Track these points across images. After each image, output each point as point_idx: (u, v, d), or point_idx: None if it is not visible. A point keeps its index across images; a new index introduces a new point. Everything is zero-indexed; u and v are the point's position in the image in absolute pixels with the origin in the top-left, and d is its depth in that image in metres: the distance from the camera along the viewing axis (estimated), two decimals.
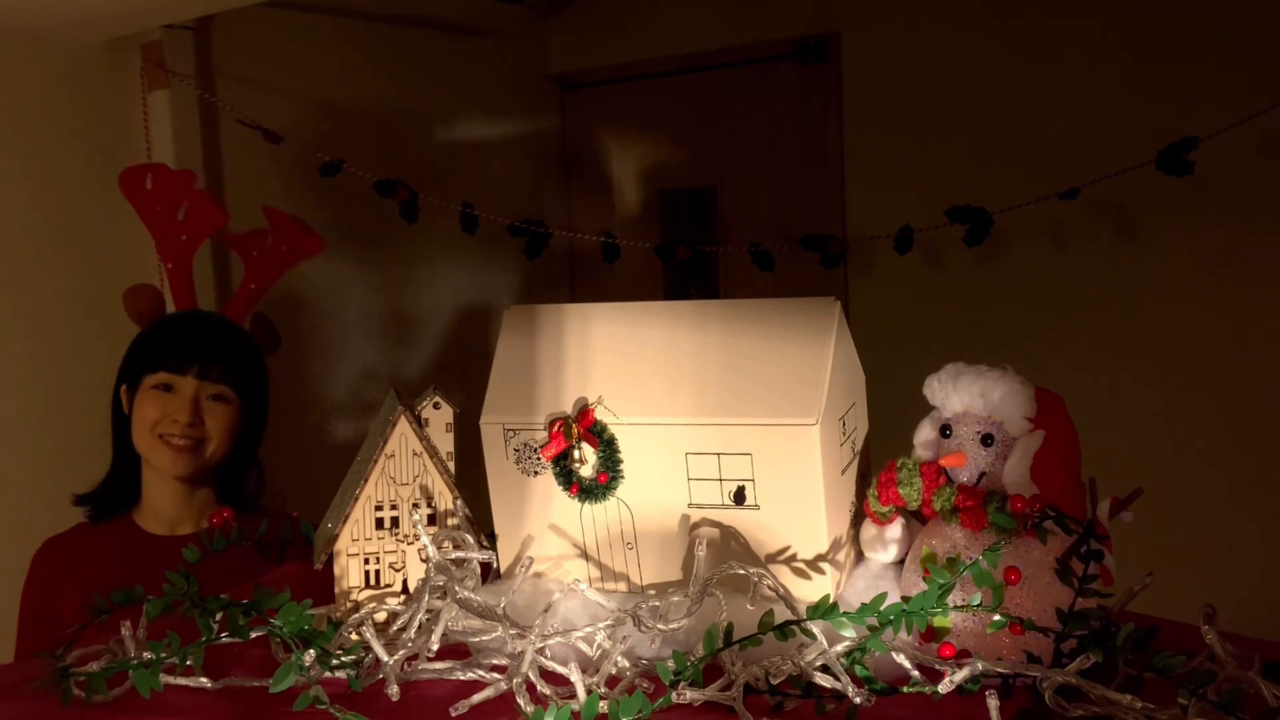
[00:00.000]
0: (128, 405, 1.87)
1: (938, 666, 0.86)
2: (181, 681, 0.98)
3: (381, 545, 1.11)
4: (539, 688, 0.92)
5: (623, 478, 1.04)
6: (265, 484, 1.98)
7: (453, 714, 0.90)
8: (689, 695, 0.87)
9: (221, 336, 1.90)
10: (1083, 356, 2.79)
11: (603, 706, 0.86)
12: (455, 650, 1.01)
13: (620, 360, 1.07)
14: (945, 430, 1.00)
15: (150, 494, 1.89)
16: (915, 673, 0.86)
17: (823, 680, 0.87)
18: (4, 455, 2.31)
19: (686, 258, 3.03)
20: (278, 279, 2.13)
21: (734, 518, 1.02)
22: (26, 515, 2.33)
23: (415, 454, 1.11)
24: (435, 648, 0.95)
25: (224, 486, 1.92)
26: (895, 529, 1.02)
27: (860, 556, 1.07)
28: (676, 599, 0.96)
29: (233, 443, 1.86)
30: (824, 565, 1.01)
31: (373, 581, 1.11)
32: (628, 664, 0.95)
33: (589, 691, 0.89)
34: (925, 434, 1.02)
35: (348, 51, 2.93)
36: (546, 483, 1.07)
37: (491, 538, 1.11)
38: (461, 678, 0.96)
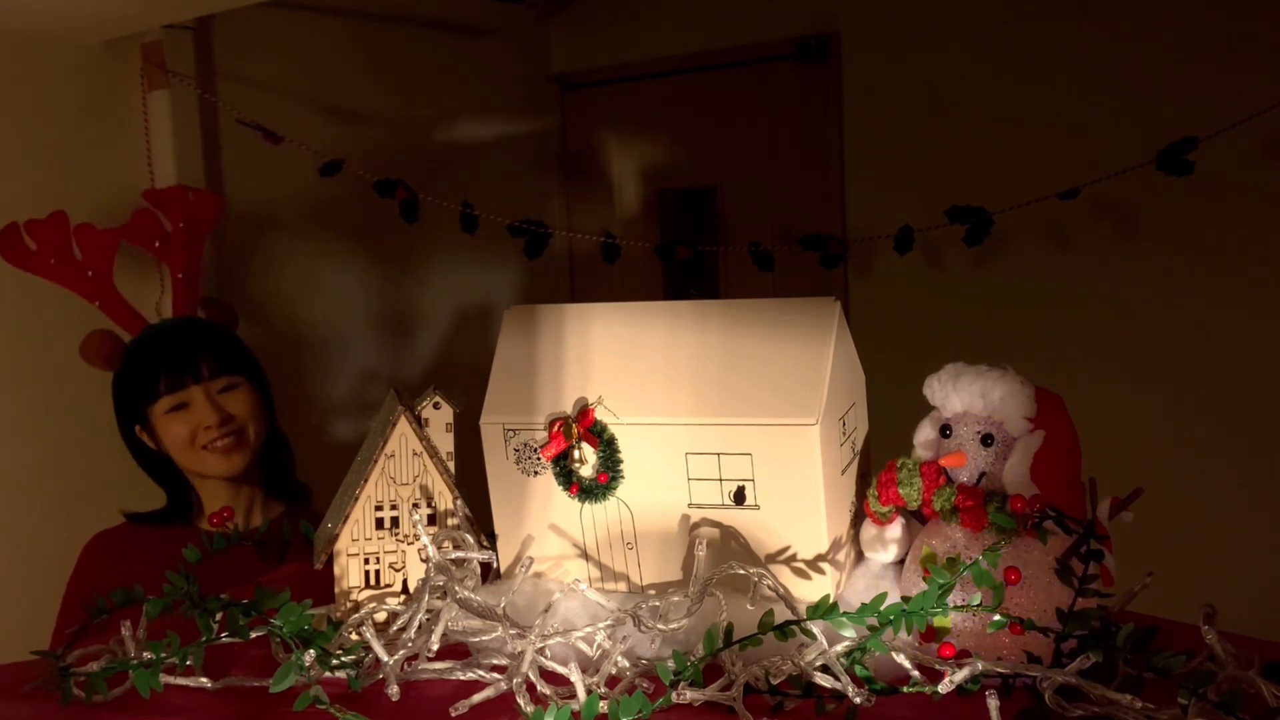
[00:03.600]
0: (153, 440, 1.88)
1: (938, 666, 0.86)
2: (181, 681, 0.98)
3: (381, 545, 1.11)
4: (539, 688, 0.92)
5: (623, 478, 1.04)
6: (294, 457, 2.01)
7: (453, 714, 0.90)
8: (689, 695, 0.87)
9: (190, 336, 1.91)
10: (1083, 356, 2.79)
11: (603, 706, 0.87)
12: (455, 650, 1.01)
13: (620, 360, 1.07)
14: (945, 430, 1.00)
15: (207, 501, 1.91)
16: (915, 673, 0.86)
17: (823, 680, 0.87)
18: (6, 455, 2.31)
19: (686, 258, 3.03)
20: (198, 255, 2.08)
21: (734, 518, 1.02)
22: (32, 516, 2.33)
23: (415, 454, 1.11)
24: (435, 648, 0.95)
25: (269, 473, 1.95)
26: (895, 529, 1.02)
27: (860, 556, 1.07)
28: (676, 599, 0.96)
29: (266, 420, 1.90)
30: (824, 565, 1.01)
31: (373, 581, 1.11)
32: (628, 664, 0.95)
33: (589, 691, 0.89)
34: (925, 434, 1.02)
35: (348, 51, 2.93)
36: (546, 483, 1.07)
37: (491, 538, 1.11)
38: (461, 678, 0.96)
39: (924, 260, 2.91)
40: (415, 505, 1.11)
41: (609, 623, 0.96)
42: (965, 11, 2.92)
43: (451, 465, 1.12)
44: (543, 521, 1.09)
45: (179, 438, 1.84)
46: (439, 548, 1.04)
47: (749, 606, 0.94)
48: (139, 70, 2.46)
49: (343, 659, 0.96)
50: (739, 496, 1.01)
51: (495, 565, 1.11)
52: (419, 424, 1.11)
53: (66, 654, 1.05)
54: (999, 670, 0.85)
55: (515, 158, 3.47)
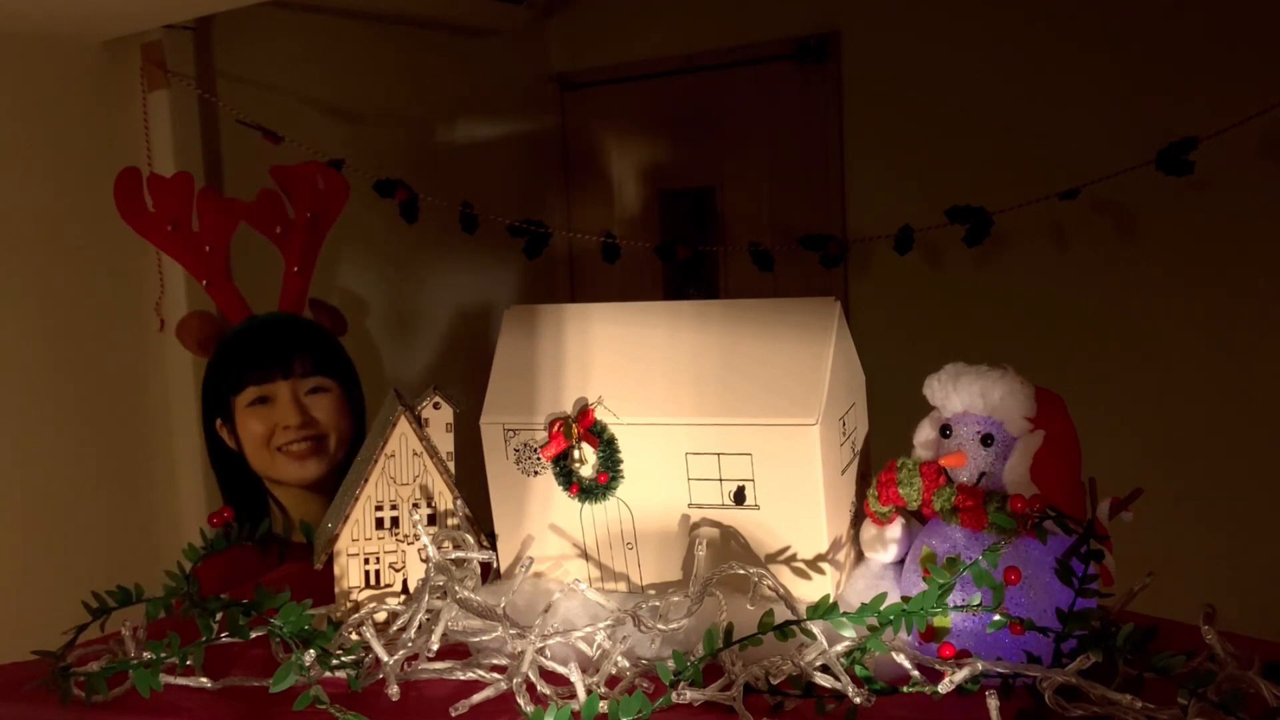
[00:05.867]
0: (231, 438, 1.78)
1: (938, 666, 0.86)
2: (181, 681, 0.98)
3: (381, 545, 1.11)
4: (539, 688, 0.92)
5: (623, 478, 1.04)
6: None
7: (453, 714, 0.90)
8: (689, 695, 0.87)
9: (291, 331, 1.80)
10: (1083, 356, 2.79)
11: (603, 706, 0.86)
12: (455, 650, 1.01)
13: (620, 360, 1.07)
14: (945, 430, 1.00)
15: (290, 509, 1.80)
16: (915, 673, 0.86)
17: (823, 680, 0.87)
18: (8, 455, 2.31)
19: (686, 258, 3.03)
20: (317, 249, 1.90)
21: (734, 518, 1.02)
22: (31, 517, 2.33)
23: (415, 454, 1.11)
24: (435, 648, 0.95)
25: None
26: (895, 529, 1.02)
27: (860, 556, 1.07)
28: (676, 599, 0.96)
29: (352, 431, 1.78)
30: (824, 565, 1.01)
31: (373, 581, 1.11)
32: (628, 664, 0.95)
33: (589, 691, 0.89)
34: (925, 434, 1.02)
35: (348, 51, 2.93)
36: (546, 483, 1.07)
37: (491, 538, 1.11)
38: (461, 678, 0.96)
39: (924, 260, 2.91)
40: (415, 505, 1.11)
41: (609, 623, 0.96)
42: (965, 12, 2.92)
43: (451, 465, 1.12)
44: (543, 521, 1.09)
45: (256, 435, 1.73)
46: (439, 548, 1.04)
47: (749, 606, 0.94)
48: (139, 70, 2.47)
49: (343, 659, 0.96)
50: (739, 496, 1.01)
51: (495, 565, 1.11)
52: (419, 424, 1.11)
53: (66, 654, 1.05)
54: (999, 670, 0.85)
55: (515, 158, 3.47)
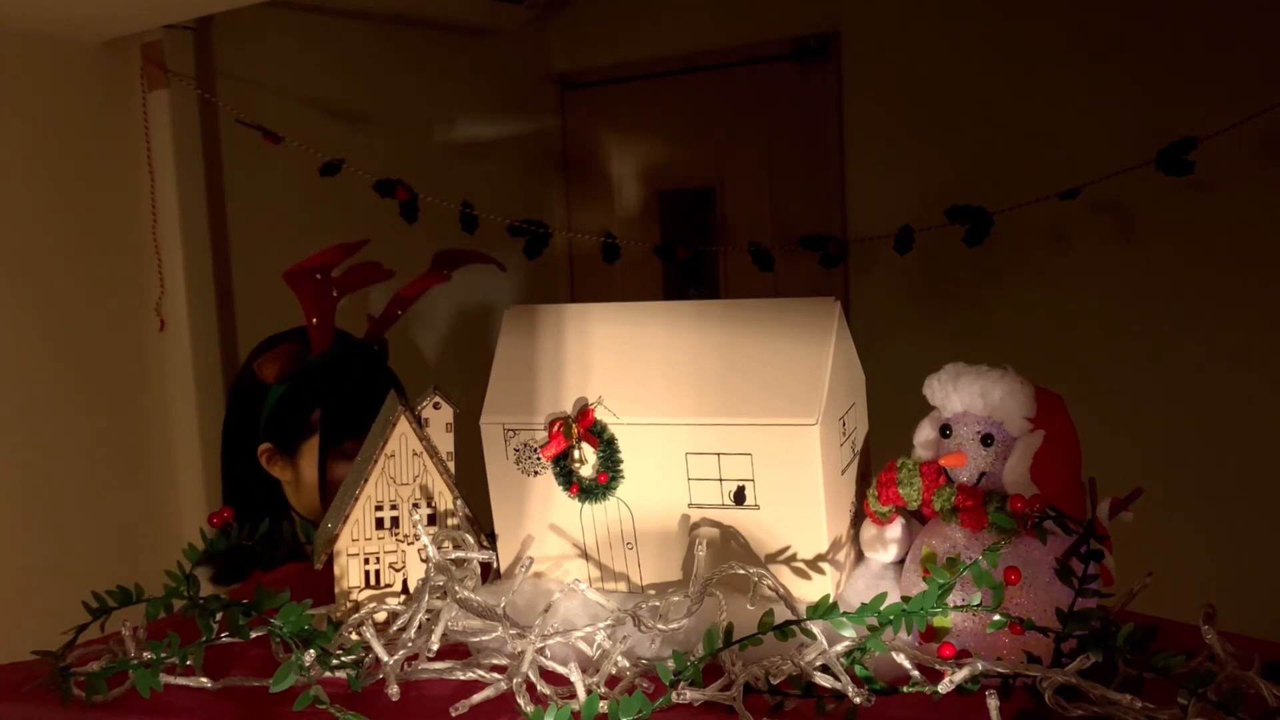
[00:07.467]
0: (287, 470, 1.74)
1: (938, 666, 0.86)
2: (181, 681, 0.98)
3: (381, 545, 1.11)
4: (539, 688, 0.92)
5: (623, 478, 1.04)
6: None
7: (453, 714, 0.90)
8: (689, 695, 0.87)
9: (381, 375, 1.75)
10: (1082, 356, 2.79)
11: (603, 706, 0.87)
12: (455, 650, 1.01)
13: (620, 360, 1.07)
14: (945, 430, 1.00)
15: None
16: (915, 673, 0.86)
17: (823, 680, 0.87)
18: (10, 457, 2.31)
19: (686, 258, 3.03)
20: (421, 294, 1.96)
21: (734, 518, 1.02)
22: (31, 517, 2.33)
23: (415, 454, 1.11)
24: (435, 648, 0.95)
25: None
26: (895, 529, 1.02)
27: (860, 556, 1.07)
28: (676, 599, 0.96)
29: None
30: (824, 565, 1.01)
31: (373, 581, 1.11)
32: (628, 664, 0.95)
33: (589, 691, 0.89)
34: (925, 434, 1.02)
35: (348, 51, 2.93)
36: (546, 483, 1.07)
37: (491, 538, 1.11)
38: (461, 678, 0.96)
39: (924, 260, 2.91)
40: (415, 505, 1.11)
41: (609, 623, 0.96)
42: (965, 11, 2.92)
43: (451, 465, 1.12)
44: (543, 521, 1.09)
45: None
46: (439, 548, 1.04)
47: (749, 606, 0.94)
48: (139, 70, 2.47)
49: (343, 659, 0.97)
50: (739, 496, 1.01)
51: (495, 565, 1.11)
52: (419, 424, 1.11)
53: (66, 654, 1.05)
54: (999, 670, 0.86)
55: (515, 158, 3.47)
